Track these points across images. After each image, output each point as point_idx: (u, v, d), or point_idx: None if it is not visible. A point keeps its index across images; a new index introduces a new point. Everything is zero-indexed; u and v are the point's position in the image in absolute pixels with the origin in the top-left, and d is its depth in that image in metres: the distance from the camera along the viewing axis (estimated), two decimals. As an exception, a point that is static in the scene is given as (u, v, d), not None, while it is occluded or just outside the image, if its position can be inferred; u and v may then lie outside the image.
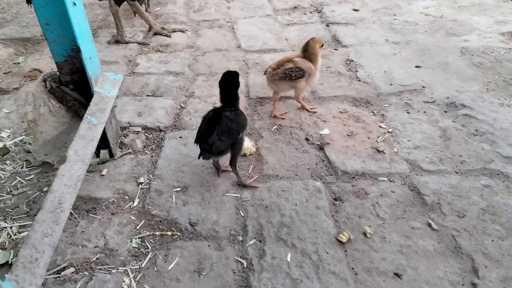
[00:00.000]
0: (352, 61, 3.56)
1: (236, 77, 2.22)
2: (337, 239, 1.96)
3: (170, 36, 4.02)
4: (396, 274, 1.82)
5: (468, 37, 3.87)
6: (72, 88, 2.42)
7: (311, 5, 4.70)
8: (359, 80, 3.28)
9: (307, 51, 2.75)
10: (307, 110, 2.93)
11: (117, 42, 3.85)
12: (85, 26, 2.23)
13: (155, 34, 4.06)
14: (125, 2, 3.81)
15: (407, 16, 4.36)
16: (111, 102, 2.33)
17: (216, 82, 3.26)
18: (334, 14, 4.44)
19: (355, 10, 4.54)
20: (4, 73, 3.36)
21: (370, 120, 2.82)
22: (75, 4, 2.09)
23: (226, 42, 3.96)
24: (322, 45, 2.79)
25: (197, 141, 2.18)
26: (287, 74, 2.70)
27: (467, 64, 3.45)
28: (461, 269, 1.82)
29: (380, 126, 2.76)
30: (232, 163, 2.22)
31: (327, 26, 4.21)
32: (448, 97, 3.03)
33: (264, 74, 2.85)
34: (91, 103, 2.20)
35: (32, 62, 3.56)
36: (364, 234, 2.00)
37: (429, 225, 2.05)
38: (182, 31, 4.14)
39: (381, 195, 2.21)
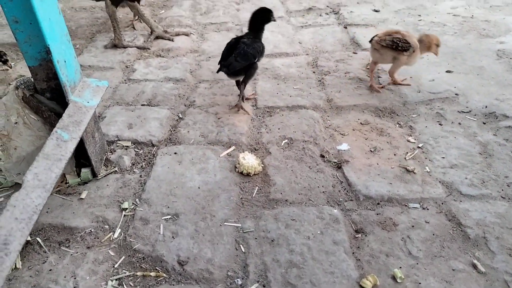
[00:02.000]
0: (374, 65, 3.16)
1: (268, 13, 2.60)
2: (360, 285, 1.57)
3: (173, 40, 3.68)
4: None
5: (504, 39, 3.45)
6: (48, 96, 2.08)
7: (327, 6, 4.33)
8: (382, 87, 2.89)
9: (422, 41, 2.75)
10: (399, 84, 2.89)
11: (114, 46, 3.53)
12: (58, 23, 1.89)
13: (157, 38, 3.73)
14: (124, 3, 3.49)
15: (433, 16, 3.94)
16: (90, 112, 1.98)
17: (219, 89, 2.92)
18: (352, 15, 4.05)
19: (376, 11, 4.15)
20: (-11, 81, 3.06)
21: (396, 133, 2.42)
22: (43, -3, 1.75)
23: (234, 46, 3.60)
24: (437, 46, 2.76)
25: (219, 62, 2.60)
26: (394, 43, 2.69)
27: (506, 68, 3.03)
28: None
29: (408, 141, 2.36)
30: (243, 82, 2.61)
31: (345, 28, 3.83)
32: (486, 106, 2.61)
33: (370, 42, 2.83)
34: (64, 115, 1.86)
35: (21, 68, 3.25)
36: (393, 278, 1.60)
37: (474, 266, 1.64)
38: (187, 35, 3.80)
39: (412, 226, 1.81)
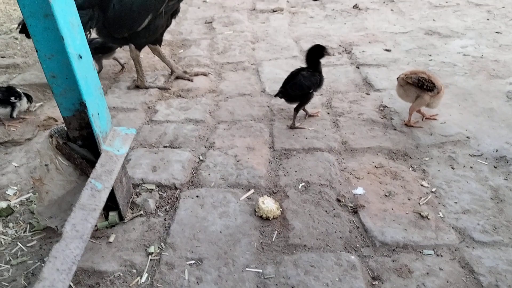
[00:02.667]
0: (386, 107, 3.27)
1: (322, 50, 2.98)
2: (378, 334, 1.64)
3: (192, 80, 3.84)
4: None
5: (513, 80, 3.55)
6: (80, 144, 2.22)
7: (340, 46, 4.48)
8: (394, 129, 2.99)
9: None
10: (411, 126, 3.00)
11: (137, 87, 3.70)
12: (93, 79, 2.04)
13: (177, 78, 3.90)
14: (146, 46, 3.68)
15: (444, 56, 4.07)
16: (121, 161, 2.11)
17: (237, 131, 3.05)
18: (364, 55, 4.19)
19: (387, 50, 4.29)
20: (19, 122, 3.23)
21: (410, 177, 2.51)
22: (81, 57, 1.91)
23: (250, 86, 3.75)
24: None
25: (280, 88, 3.06)
26: (420, 81, 2.86)
27: (516, 110, 3.12)
28: None
29: (422, 185, 2.44)
30: (296, 108, 3.03)
31: (357, 68, 3.96)
32: (497, 150, 2.69)
33: (397, 79, 3.02)
34: (97, 164, 1.99)
35: (49, 109, 3.42)
36: (410, 326, 1.67)
37: (488, 314, 1.71)
38: (205, 75, 3.96)
39: (427, 273, 1.88)
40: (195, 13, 5.73)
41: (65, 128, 2.22)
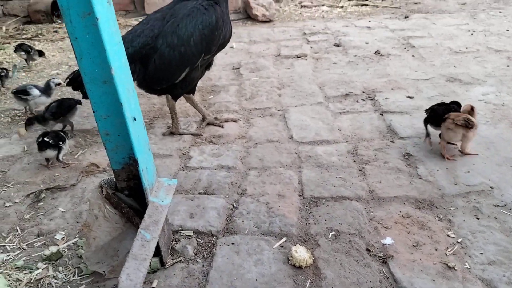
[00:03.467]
0: (411, 155, 3.40)
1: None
2: None
3: (223, 127, 4.05)
4: None
5: (535, 128, 3.65)
6: (127, 194, 2.41)
7: (363, 92, 4.66)
8: (420, 178, 3.11)
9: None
10: (468, 154, 3.37)
11: (171, 133, 3.92)
12: (143, 138, 2.25)
13: (208, 124, 4.11)
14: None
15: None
16: (165, 211, 2.28)
17: (268, 177, 3.21)
18: (387, 102, 4.36)
19: (410, 97, 4.45)
20: (63, 167, 3.45)
21: (436, 227, 2.61)
22: (135, 119, 2.12)
23: (278, 133, 3.93)
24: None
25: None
26: (465, 121, 3.20)
27: (538, 160, 3.21)
28: None
29: (448, 235, 2.54)
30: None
31: (381, 115, 4.12)
32: (521, 200, 2.78)
33: (442, 122, 3.31)
34: (145, 216, 2.16)
35: (90, 155, 3.65)
36: None
37: None
38: (235, 121, 4.17)
39: (456, 325, 1.97)
40: (223, 59, 6.03)
41: (114, 179, 2.42)
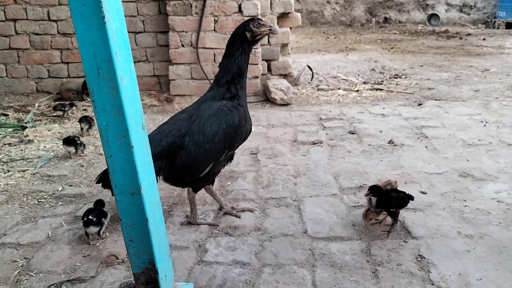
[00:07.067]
0: (424, 257, 3.44)
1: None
2: None
3: (239, 217, 4.17)
4: None
5: (549, 232, 3.67)
6: (145, 296, 2.50)
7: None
8: (432, 284, 3.13)
9: None
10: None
11: (189, 223, 4.05)
12: (165, 246, 2.39)
13: (225, 214, 4.24)
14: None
15: (478, 202, 4.26)
16: (181, 318, 2.36)
17: (281, 276, 3.27)
18: (401, 196, 4.45)
19: (423, 192, 4.53)
20: (84, 256, 3.58)
21: None
22: (155, 229, 2.27)
23: (293, 226, 4.03)
24: None
25: None
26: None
27: (553, 269, 3.21)
28: None
29: None
30: None
31: (395, 211, 4.19)
32: (536, 315, 2.77)
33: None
34: (162, 325, 2.24)
35: (110, 244, 3.78)
36: None
37: None
38: (251, 211, 4.30)
39: None
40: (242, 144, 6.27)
41: (133, 282, 2.53)
